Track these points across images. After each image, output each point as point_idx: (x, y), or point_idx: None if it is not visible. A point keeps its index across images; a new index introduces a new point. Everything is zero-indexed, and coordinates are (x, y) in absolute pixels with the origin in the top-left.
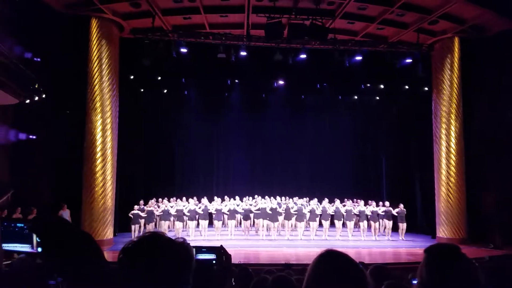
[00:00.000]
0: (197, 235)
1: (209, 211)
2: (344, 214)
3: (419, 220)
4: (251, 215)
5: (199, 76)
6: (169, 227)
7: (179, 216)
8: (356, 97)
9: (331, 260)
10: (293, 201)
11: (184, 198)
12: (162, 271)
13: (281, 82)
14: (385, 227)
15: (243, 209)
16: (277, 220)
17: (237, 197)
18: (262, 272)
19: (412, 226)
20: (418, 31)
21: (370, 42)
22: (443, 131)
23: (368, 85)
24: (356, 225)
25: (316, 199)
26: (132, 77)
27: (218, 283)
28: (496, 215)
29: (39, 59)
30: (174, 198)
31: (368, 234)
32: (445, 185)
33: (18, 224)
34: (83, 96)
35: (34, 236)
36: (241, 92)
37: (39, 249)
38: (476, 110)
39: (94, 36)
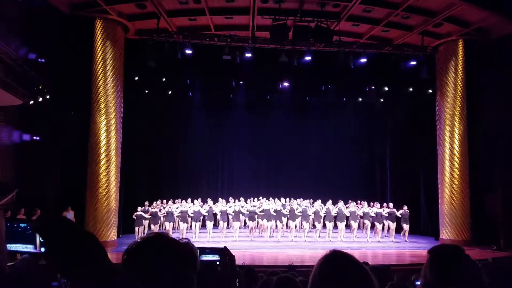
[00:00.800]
0: (202, 236)
1: (214, 212)
2: (348, 215)
3: (423, 222)
4: (256, 217)
5: (204, 77)
6: (173, 228)
7: (183, 217)
8: (360, 99)
9: (336, 260)
10: (297, 202)
11: (189, 200)
12: (166, 272)
13: (286, 84)
14: (388, 229)
15: (248, 211)
16: (281, 221)
17: (241, 199)
18: (266, 274)
19: (415, 227)
20: (423, 34)
21: (375, 44)
22: (447, 133)
23: (373, 87)
24: (360, 227)
25: (319, 201)
26: (136, 78)
27: (222, 284)
28: (500, 217)
29: (43, 60)
30: (180, 200)
31: (371, 235)
32: (449, 187)
33: (21, 224)
34: (88, 97)
35: (37, 236)
36: (246, 93)
37: (42, 249)
38: (480, 112)
39: (99, 37)
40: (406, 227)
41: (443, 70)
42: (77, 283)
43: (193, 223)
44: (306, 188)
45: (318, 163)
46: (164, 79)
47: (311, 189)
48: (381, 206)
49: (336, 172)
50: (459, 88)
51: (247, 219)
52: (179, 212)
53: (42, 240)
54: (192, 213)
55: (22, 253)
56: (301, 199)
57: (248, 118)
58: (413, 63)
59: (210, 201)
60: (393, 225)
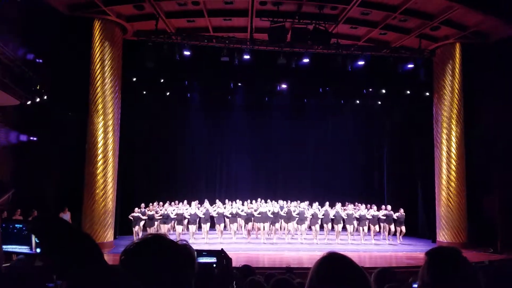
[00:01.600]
0: (199, 238)
1: (211, 214)
2: (345, 218)
3: (420, 224)
4: (252, 219)
5: (202, 79)
6: (169, 231)
7: (179, 219)
8: (358, 101)
9: (333, 262)
10: (294, 205)
11: (185, 201)
12: (164, 273)
13: (284, 86)
14: (389, 231)
15: (245, 213)
16: (278, 222)
17: (238, 201)
18: (263, 276)
19: (413, 230)
20: (420, 37)
21: (373, 47)
22: (444, 136)
23: (370, 89)
24: (357, 229)
25: (317, 203)
26: (134, 79)
27: (219, 286)
28: (497, 219)
29: (41, 61)
30: (176, 202)
31: (367, 238)
32: (446, 189)
33: (16, 225)
34: (85, 98)
35: (33, 237)
36: (244, 95)
37: (38, 250)
38: (477, 115)
39: (97, 38)
40: (401, 228)
41: (440, 73)
42: (73, 284)
43: (190, 225)
44: (304, 190)
45: (316, 165)
46: (162, 80)
47: (309, 190)
48: (379, 209)
49: (333, 174)
50: (456, 91)
51: (243, 221)
52: (175, 215)
53: (37, 241)
54: (189, 216)
55: (17, 254)
56: (299, 201)
57: (246, 119)
58: (410, 66)
59: (207, 203)
60: (387, 227)
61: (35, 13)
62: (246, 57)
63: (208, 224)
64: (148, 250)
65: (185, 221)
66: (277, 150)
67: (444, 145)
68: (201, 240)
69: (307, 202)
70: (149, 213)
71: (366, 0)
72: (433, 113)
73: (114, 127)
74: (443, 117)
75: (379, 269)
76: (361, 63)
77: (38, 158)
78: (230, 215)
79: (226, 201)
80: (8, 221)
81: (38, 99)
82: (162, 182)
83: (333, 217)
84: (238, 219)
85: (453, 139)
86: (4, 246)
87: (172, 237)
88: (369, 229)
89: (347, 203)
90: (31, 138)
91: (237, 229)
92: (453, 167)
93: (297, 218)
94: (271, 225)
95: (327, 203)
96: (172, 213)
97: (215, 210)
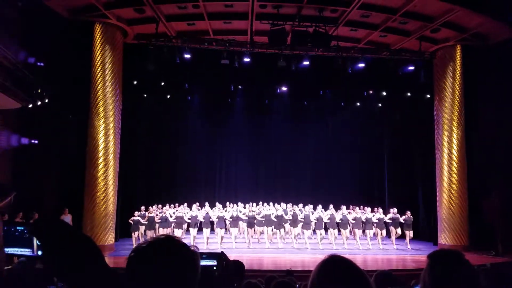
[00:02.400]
0: (199, 243)
1: (211, 218)
2: (352, 222)
3: (421, 227)
4: (255, 223)
5: (203, 81)
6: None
7: (179, 223)
8: (358, 104)
9: (335, 265)
10: (298, 208)
11: (185, 204)
12: (172, 277)
13: (284, 89)
14: (395, 234)
15: (247, 216)
16: (283, 227)
17: (240, 203)
18: (264, 279)
19: (414, 233)
20: (421, 39)
21: (373, 49)
22: (445, 138)
23: (371, 92)
24: (364, 233)
25: (320, 206)
26: (135, 82)
27: None
28: (498, 222)
29: (42, 64)
30: (176, 204)
31: (374, 242)
32: (447, 192)
33: (18, 228)
34: (86, 101)
35: (34, 240)
36: (244, 98)
37: (39, 253)
38: (478, 117)
39: (98, 41)
40: (409, 233)
41: (441, 75)
42: (74, 287)
43: (191, 229)
44: (304, 193)
45: (316, 167)
46: (162, 83)
47: (309, 193)
48: (385, 212)
49: (334, 176)
50: (457, 93)
51: (245, 225)
52: (174, 218)
53: (39, 244)
54: (189, 219)
55: (19, 256)
56: (301, 204)
57: (246, 122)
58: (411, 68)
59: (207, 206)
60: (394, 231)
61: (36, 17)
62: (246, 59)
63: (209, 229)
64: (158, 251)
65: (185, 225)
66: (277, 152)
67: (445, 147)
68: (201, 245)
69: (311, 206)
70: (150, 215)
71: (366, 3)
72: (433, 115)
73: (115, 130)
74: (444, 119)
75: (378, 272)
76: (361, 65)
77: (39, 161)
78: (230, 219)
79: (227, 203)
80: (9, 223)
81: (39, 102)
82: (163, 185)
83: (340, 221)
84: (240, 222)
85: (454, 141)
86: (5, 249)
87: None
88: (375, 233)
89: (352, 206)
90: (32, 141)
91: (238, 233)
92: (454, 169)
93: (302, 223)
94: (275, 229)
95: (331, 206)
96: (171, 216)
97: (215, 215)
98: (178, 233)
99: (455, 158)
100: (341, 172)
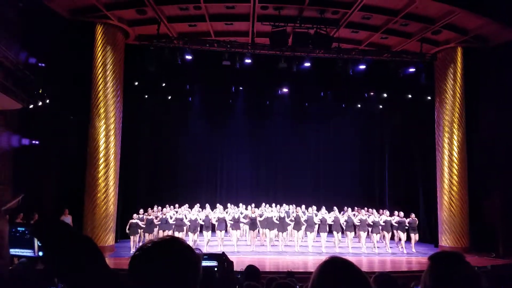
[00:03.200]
0: (200, 246)
1: (211, 221)
2: (358, 224)
3: (422, 229)
4: (257, 224)
5: (204, 83)
6: None
7: (179, 225)
8: (359, 105)
9: (335, 266)
10: (301, 210)
11: (186, 205)
12: (174, 277)
13: (285, 90)
14: (399, 239)
15: (249, 218)
16: (286, 230)
17: (241, 205)
18: (265, 280)
19: None
20: (422, 41)
21: (374, 51)
22: (446, 140)
23: (372, 93)
24: (369, 236)
25: (324, 207)
26: (136, 83)
27: None
28: (499, 224)
29: (43, 65)
30: (176, 205)
31: (380, 245)
32: (448, 193)
33: (19, 228)
34: (87, 101)
35: (35, 241)
36: (245, 99)
37: (40, 253)
38: (479, 119)
39: (99, 42)
40: (415, 236)
41: (442, 77)
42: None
43: (189, 233)
44: (305, 194)
45: (317, 169)
46: (164, 84)
47: (310, 194)
48: (391, 214)
49: (335, 178)
50: (458, 95)
51: (247, 227)
52: (174, 220)
53: (40, 244)
54: (189, 222)
55: (20, 257)
56: (304, 206)
57: (247, 123)
58: (412, 69)
59: (208, 208)
60: (403, 236)
61: (37, 17)
62: (248, 61)
63: (210, 232)
64: (163, 252)
65: (185, 227)
66: (278, 153)
67: (446, 149)
68: (201, 247)
69: (314, 208)
70: (148, 217)
71: (367, 5)
72: (434, 117)
73: (115, 131)
74: (445, 121)
75: (378, 274)
76: (362, 67)
77: (39, 162)
78: (231, 221)
79: (228, 204)
80: (10, 224)
81: (40, 103)
82: (164, 186)
83: (345, 223)
84: (241, 224)
85: (455, 143)
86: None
87: None
88: (382, 236)
89: (357, 208)
90: (33, 141)
91: (240, 235)
92: (455, 171)
93: (305, 225)
94: (278, 232)
95: (336, 208)
96: (171, 218)
97: (215, 217)
98: (178, 236)
99: (455, 160)
100: (342, 173)
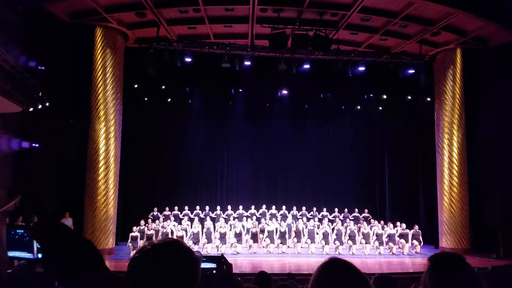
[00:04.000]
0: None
1: (212, 234)
2: (361, 237)
3: (422, 230)
4: (258, 235)
5: (203, 85)
6: None
7: (180, 237)
8: (359, 107)
9: (335, 267)
10: (303, 222)
11: (186, 208)
12: (172, 280)
13: (284, 92)
14: (402, 248)
15: (251, 232)
16: (286, 243)
17: (240, 207)
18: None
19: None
20: (421, 42)
21: (373, 52)
22: (446, 141)
23: (371, 95)
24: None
25: (327, 219)
26: (136, 86)
27: None
28: (499, 225)
29: (43, 68)
30: (176, 208)
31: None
32: (448, 195)
33: (18, 231)
34: (87, 104)
35: (35, 243)
36: (245, 101)
37: (40, 256)
38: (479, 120)
39: (99, 45)
40: (418, 246)
41: (441, 79)
42: None
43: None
44: (305, 195)
45: (317, 171)
46: (163, 87)
47: (310, 196)
48: (395, 226)
49: (334, 178)
50: (457, 96)
51: (251, 241)
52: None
53: (39, 247)
54: (191, 237)
55: (19, 259)
56: (304, 207)
57: (247, 125)
58: (411, 71)
59: (208, 221)
60: (406, 245)
61: (37, 21)
62: (247, 63)
63: (211, 243)
64: (163, 254)
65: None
66: (278, 155)
67: (445, 150)
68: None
69: (316, 219)
70: (148, 233)
71: (366, 6)
72: (434, 118)
73: (115, 134)
74: (445, 122)
75: (377, 275)
76: (361, 68)
77: (39, 165)
78: (235, 238)
79: (229, 207)
80: (10, 227)
81: (40, 106)
82: (164, 188)
83: (347, 237)
84: (243, 237)
85: (455, 144)
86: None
87: None
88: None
89: (361, 220)
90: (33, 144)
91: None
92: (455, 172)
93: (306, 236)
94: (280, 244)
95: (339, 221)
96: (172, 233)
97: (217, 230)
98: None
99: (455, 161)
100: (342, 174)
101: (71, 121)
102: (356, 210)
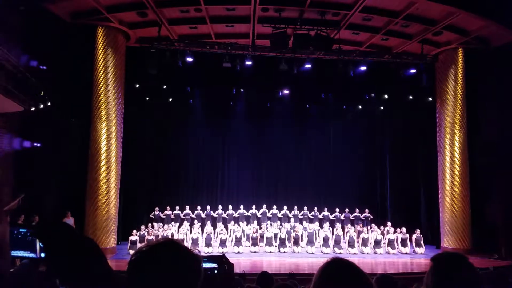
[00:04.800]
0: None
1: (212, 240)
2: (360, 243)
3: (424, 230)
4: (258, 240)
5: (205, 85)
6: None
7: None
8: (360, 107)
9: (337, 267)
10: (302, 227)
11: (187, 207)
12: (173, 280)
13: (286, 92)
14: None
15: (250, 238)
16: (285, 247)
17: (241, 206)
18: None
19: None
20: (422, 42)
21: (375, 52)
22: (447, 141)
23: (373, 95)
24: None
25: (328, 224)
26: (137, 85)
27: None
28: (501, 225)
29: (45, 67)
30: (177, 207)
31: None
32: (450, 195)
33: (21, 230)
34: (88, 104)
35: (37, 242)
36: (246, 101)
37: (42, 255)
38: (480, 120)
39: (100, 44)
40: (420, 250)
41: (443, 78)
42: None
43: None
44: (306, 195)
45: (317, 171)
46: (164, 87)
47: (311, 196)
48: (395, 231)
49: (335, 178)
50: (459, 96)
51: (250, 245)
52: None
53: (42, 246)
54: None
55: (22, 258)
56: (305, 207)
57: (248, 125)
58: (413, 71)
59: (208, 226)
60: (406, 249)
61: (38, 20)
62: (248, 63)
63: (211, 247)
64: (161, 254)
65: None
66: (279, 154)
67: (447, 150)
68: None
69: (317, 223)
70: (149, 238)
71: (368, 6)
72: (436, 118)
73: (117, 133)
74: (446, 122)
75: (379, 275)
76: (363, 68)
77: (41, 164)
78: (235, 244)
79: (230, 207)
80: (12, 226)
81: (41, 106)
82: (165, 188)
83: (347, 242)
84: (243, 241)
85: (457, 144)
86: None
87: None
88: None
89: (360, 225)
90: (35, 144)
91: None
92: (456, 172)
93: (306, 240)
94: (279, 248)
95: (339, 225)
96: (172, 237)
97: (217, 236)
98: None
99: (457, 161)
100: (343, 174)
101: (72, 121)
102: (357, 210)
